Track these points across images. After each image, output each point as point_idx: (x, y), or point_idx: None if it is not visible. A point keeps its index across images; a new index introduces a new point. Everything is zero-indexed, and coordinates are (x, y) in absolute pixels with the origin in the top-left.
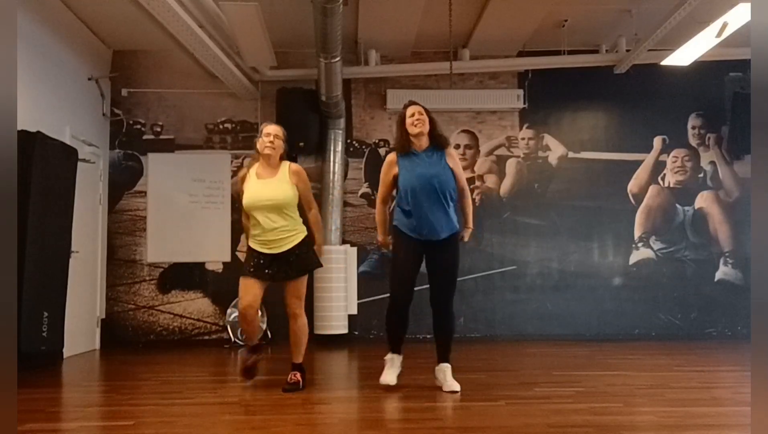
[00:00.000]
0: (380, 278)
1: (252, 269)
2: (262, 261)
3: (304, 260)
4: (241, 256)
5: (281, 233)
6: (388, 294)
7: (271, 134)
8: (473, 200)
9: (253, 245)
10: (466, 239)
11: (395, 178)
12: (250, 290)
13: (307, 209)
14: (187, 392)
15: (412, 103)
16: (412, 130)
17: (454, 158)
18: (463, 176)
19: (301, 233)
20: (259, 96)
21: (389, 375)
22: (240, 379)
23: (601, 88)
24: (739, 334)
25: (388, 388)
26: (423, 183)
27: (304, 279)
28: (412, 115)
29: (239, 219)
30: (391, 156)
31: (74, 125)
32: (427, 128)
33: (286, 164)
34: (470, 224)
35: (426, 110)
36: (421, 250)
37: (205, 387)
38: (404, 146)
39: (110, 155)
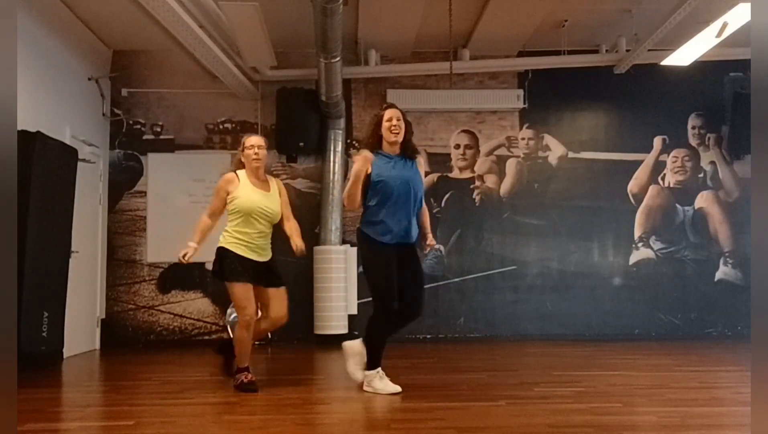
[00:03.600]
0: None
1: (245, 274)
2: (251, 266)
3: (278, 271)
4: None
5: (267, 243)
6: None
7: (255, 145)
8: (474, 200)
9: (238, 250)
10: (436, 246)
11: (368, 177)
12: (251, 297)
13: (285, 220)
14: (187, 392)
15: (390, 106)
16: (389, 137)
17: (422, 168)
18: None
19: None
20: (259, 96)
21: (391, 384)
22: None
23: (601, 88)
24: (739, 334)
25: None
26: (400, 185)
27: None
28: (390, 119)
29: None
30: (367, 153)
31: (74, 125)
32: (402, 136)
33: (273, 179)
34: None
35: (403, 115)
36: (395, 255)
37: (205, 387)
38: (375, 147)
39: (110, 155)
